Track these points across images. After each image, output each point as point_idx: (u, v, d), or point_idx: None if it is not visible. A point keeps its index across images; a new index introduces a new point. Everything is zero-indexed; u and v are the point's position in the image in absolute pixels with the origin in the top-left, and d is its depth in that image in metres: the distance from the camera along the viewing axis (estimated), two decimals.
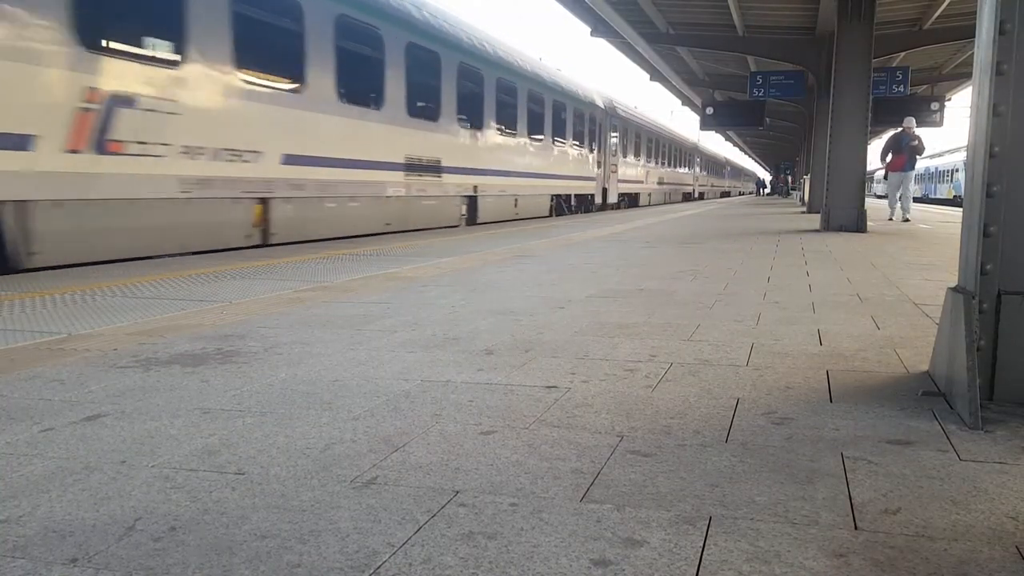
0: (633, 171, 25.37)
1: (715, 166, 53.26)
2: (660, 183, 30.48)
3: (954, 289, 2.36)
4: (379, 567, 1.27)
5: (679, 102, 32.46)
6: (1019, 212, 2.19)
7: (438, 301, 4.23)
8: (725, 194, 60.03)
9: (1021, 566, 1.29)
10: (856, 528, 1.43)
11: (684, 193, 37.39)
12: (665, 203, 31.18)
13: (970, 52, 18.09)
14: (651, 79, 25.33)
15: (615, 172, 22.38)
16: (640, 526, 1.44)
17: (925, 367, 2.71)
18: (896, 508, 1.52)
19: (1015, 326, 2.21)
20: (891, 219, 15.36)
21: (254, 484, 1.63)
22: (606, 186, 21.48)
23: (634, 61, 22.97)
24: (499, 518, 1.47)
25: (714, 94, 26.16)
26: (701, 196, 44.14)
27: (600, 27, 17.61)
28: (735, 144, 59.82)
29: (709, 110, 22.16)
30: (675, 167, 34.13)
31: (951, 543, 1.37)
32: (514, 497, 1.57)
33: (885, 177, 15.83)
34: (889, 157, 14.68)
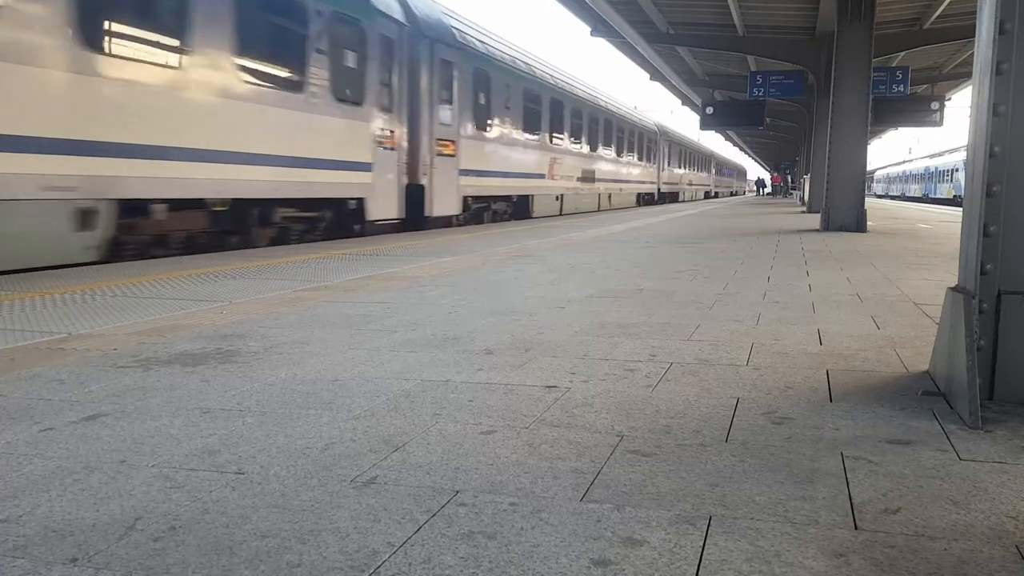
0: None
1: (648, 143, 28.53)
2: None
3: (954, 289, 2.36)
4: (379, 567, 1.27)
5: (679, 102, 32.48)
6: (1019, 212, 2.19)
7: (438, 301, 4.23)
8: (669, 197, 33.72)
9: (1021, 566, 1.29)
10: (856, 528, 1.43)
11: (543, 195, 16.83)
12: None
13: (970, 52, 18.06)
14: (651, 79, 25.35)
15: None
16: (640, 526, 1.44)
17: (925, 367, 2.71)
18: (896, 508, 1.52)
19: (1015, 326, 2.21)
20: None
21: (254, 484, 1.63)
22: None
23: (634, 61, 22.96)
24: (499, 518, 1.47)
25: (714, 94, 26.16)
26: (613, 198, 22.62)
27: (600, 27, 17.61)
28: (735, 144, 59.50)
29: (709, 110, 22.15)
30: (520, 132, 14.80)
31: (951, 543, 1.37)
32: (514, 497, 1.57)
33: None
34: None
